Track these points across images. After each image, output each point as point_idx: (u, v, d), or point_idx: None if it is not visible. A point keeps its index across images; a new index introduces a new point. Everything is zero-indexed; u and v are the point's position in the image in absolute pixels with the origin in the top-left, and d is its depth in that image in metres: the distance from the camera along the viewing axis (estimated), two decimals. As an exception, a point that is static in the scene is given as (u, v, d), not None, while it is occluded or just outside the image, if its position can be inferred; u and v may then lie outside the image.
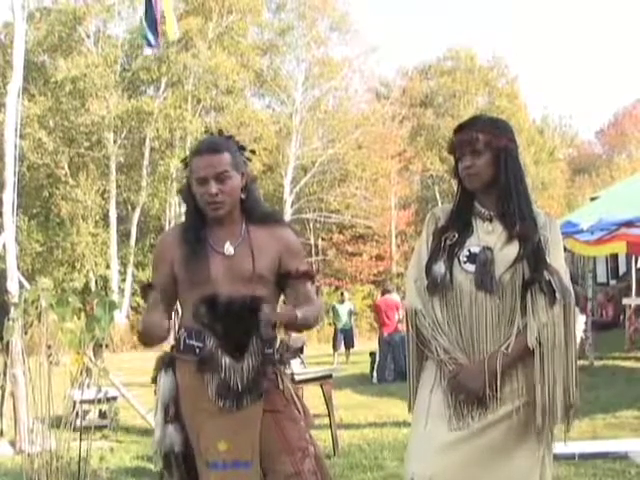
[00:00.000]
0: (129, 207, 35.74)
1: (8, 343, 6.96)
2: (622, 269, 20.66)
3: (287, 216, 32.98)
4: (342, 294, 20.97)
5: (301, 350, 6.60)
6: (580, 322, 13.79)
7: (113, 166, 34.49)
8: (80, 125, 33.59)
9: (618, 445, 6.67)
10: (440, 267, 2.92)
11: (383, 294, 15.96)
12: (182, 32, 32.04)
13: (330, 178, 37.79)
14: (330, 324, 20.91)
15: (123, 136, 34.75)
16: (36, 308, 5.77)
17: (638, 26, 76.35)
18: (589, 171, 47.02)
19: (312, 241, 36.98)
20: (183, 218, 3.33)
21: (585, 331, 13.90)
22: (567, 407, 2.87)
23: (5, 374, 7.34)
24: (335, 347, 18.99)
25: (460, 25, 74.85)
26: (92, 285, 32.74)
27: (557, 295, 2.83)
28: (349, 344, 19.14)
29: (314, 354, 17.51)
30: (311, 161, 37.17)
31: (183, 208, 3.30)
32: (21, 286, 7.85)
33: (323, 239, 38.33)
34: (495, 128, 2.98)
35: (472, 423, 2.82)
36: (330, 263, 37.29)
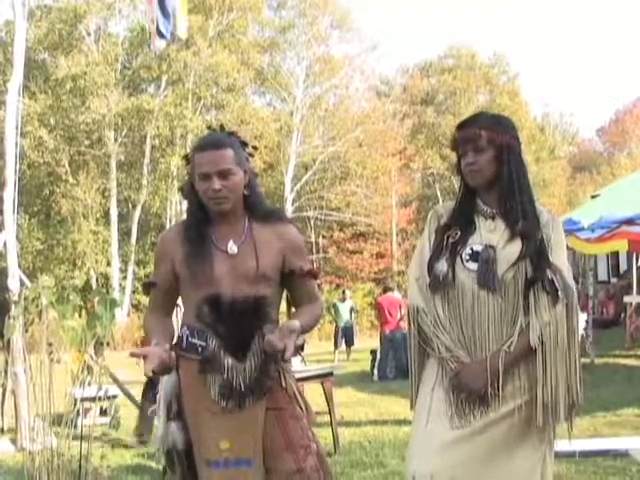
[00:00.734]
0: (130, 205, 35.75)
1: (9, 341, 6.97)
2: (623, 267, 20.65)
3: (288, 214, 32.92)
4: (344, 292, 20.96)
5: (302, 348, 6.59)
6: (581, 320, 13.79)
7: (114, 164, 34.49)
8: (81, 123, 33.58)
9: (619, 443, 6.68)
10: (442, 265, 2.91)
11: (384, 292, 15.96)
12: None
13: (331, 176, 37.78)
14: (331, 322, 20.90)
15: (124, 134, 34.75)
16: (37, 306, 5.78)
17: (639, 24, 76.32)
18: (590, 169, 46.99)
19: (313, 239, 36.98)
20: (185, 216, 3.31)
21: (586, 329, 13.90)
22: (570, 405, 2.87)
23: (6, 372, 7.34)
24: (336, 345, 19.00)
25: (461, 23, 74.95)
26: (93, 283, 32.76)
27: (560, 294, 2.82)
28: (350, 342, 19.15)
29: (315, 352, 17.50)
30: (312, 159, 37.17)
31: (184, 206, 3.29)
32: (22, 284, 7.85)
33: (324, 237, 38.33)
34: (498, 125, 2.97)
35: (474, 421, 2.82)
36: (331, 261, 37.28)
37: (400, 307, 14.54)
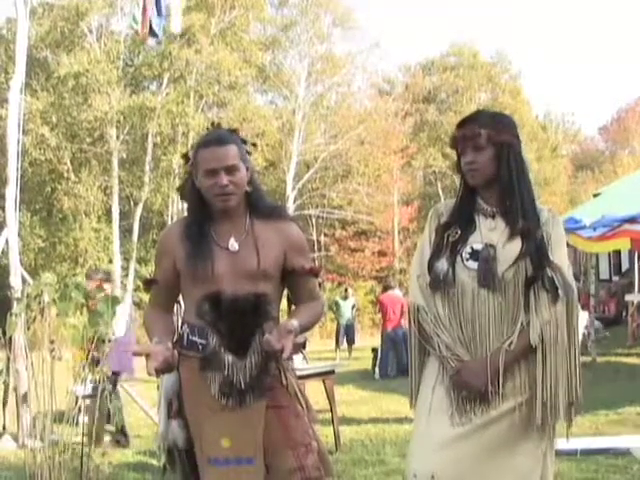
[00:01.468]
0: (131, 203, 35.74)
1: (11, 338, 6.97)
2: (625, 265, 20.64)
3: (290, 212, 32.94)
4: (346, 290, 20.99)
5: (303, 346, 6.59)
6: (583, 319, 13.80)
7: (115, 162, 34.49)
8: (82, 121, 33.60)
9: (620, 441, 6.67)
10: (442, 264, 2.91)
11: (385, 290, 15.95)
12: (184, 28, 32.06)
13: (333, 174, 37.79)
14: (333, 320, 20.93)
15: (125, 132, 34.75)
16: (39, 303, 5.78)
17: (641, 22, 76.23)
18: (592, 167, 46.98)
19: (314, 237, 36.96)
20: (186, 213, 3.31)
21: (587, 327, 13.91)
22: (570, 404, 2.87)
23: (8, 369, 7.35)
24: (338, 343, 19.01)
25: (463, 21, 74.84)
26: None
27: (560, 292, 2.83)
28: (352, 340, 19.16)
29: (317, 350, 17.52)
30: (314, 157, 37.16)
31: (186, 204, 3.27)
32: (24, 281, 7.86)
33: (326, 235, 38.31)
34: (498, 123, 2.96)
35: (474, 419, 2.82)
36: (332, 259, 37.26)
37: (402, 305, 14.52)
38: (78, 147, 34.39)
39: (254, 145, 3.33)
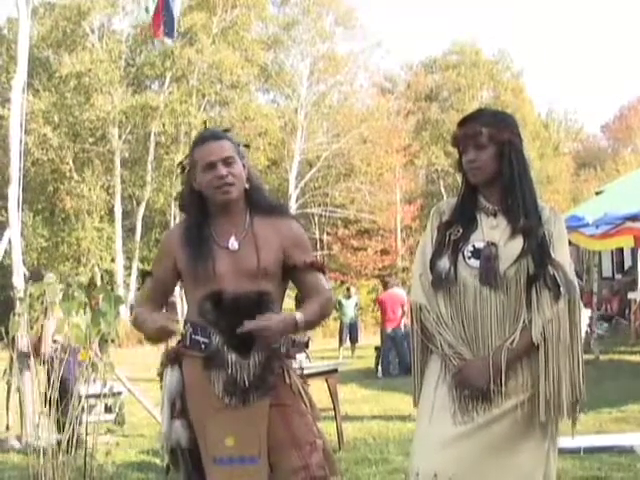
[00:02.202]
0: (134, 202, 35.79)
1: (14, 338, 6.98)
2: (627, 263, 20.62)
3: (292, 211, 32.95)
4: (348, 289, 20.97)
5: (307, 345, 6.60)
6: (585, 316, 13.79)
7: (118, 161, 34.55)
8: (85, 120, 33.65)
9: (623, 439, 6.67)
10: (444, 262, 2.91)
11: (385, 288, 15.93)
12: (186, 27, 32.13)
13: (335, 173, 37.81)
14: (336, 319, 20.92)
15: (128, 131, 34.80)
16: (42, 303, 5.79)
17: (643, 19, 76.12)
18: (594, 165, 46.92)
19: (317, 236, 36.98)
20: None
21: (590, 325, 13.90)
22: (573, 402, 2.87)
23: (11, 369, 7.35)
24: (341, 341, 19.01)
25: (465, 19, 74.76)
26: (97, 280, 32.72)
27: (562, 290, 2.82)
28: (354, 339, 19.16)
29: (319, 348, 17.51)
30: (316, 156, 37.18)
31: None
32: (27, 281, 7.86)
33: (328, 234, 38.31)
34: (499, 121, 2.96)
35: (477, 417, 2.82)
36: (335, 258, 37.26)
37: (402, 304, 14.48)
38: (80, 147, 34.44)
39: (247, 146, 3.35)
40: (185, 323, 3.17)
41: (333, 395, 7.35)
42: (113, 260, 34.28)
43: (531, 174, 3.01)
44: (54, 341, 5.85)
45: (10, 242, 8.15)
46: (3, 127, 25.43)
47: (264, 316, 2.96)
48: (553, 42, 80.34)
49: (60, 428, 6.77)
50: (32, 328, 6.11)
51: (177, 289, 3.42)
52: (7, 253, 8.34)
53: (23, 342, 6.95)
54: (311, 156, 37.43)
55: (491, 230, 2.94)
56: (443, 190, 39.24)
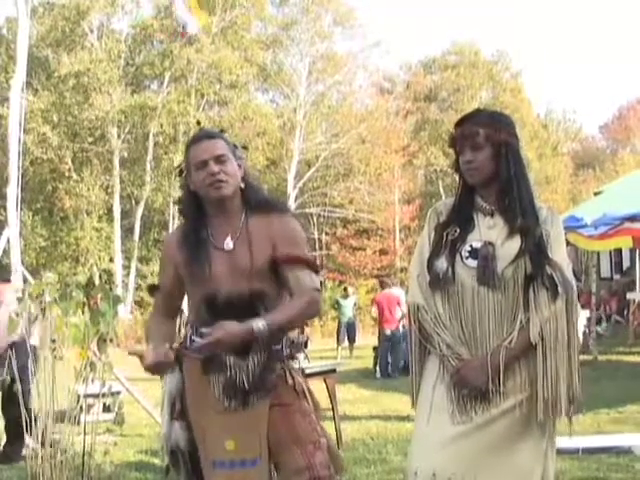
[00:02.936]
0: (133, 201, 35.79)
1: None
2: (626, 264, 20.64)
3: (287, 206, 32.94)
4: (345, 289, 20.98)
5: (305, 345, 6.60)
6: (583, 317, 13.81)
7: (117, 161, 34.55)
8: (84, 120, 33.64)
9: (622, 440, 6.67)
10: (442, 263, 2.91)
11: (382, 288, 15.93)
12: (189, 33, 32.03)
13: (334, 173, 37.81)
14: (334, 319, 20.92)
15: (127, 131, 34.79)
16: (40, 302, 5.79)
17: (642, 20, 76.16)
18: (593, 166, 46.94)
19: (316, 236, 36.99)
20: None
21: (588, 326, 13.91)
22: (570, 401, 2.87)
23: (10, 368, 7.33)
24: (339, 341, 19.01)
25: (464, 19, 74.77)
26: (96, 280, 32.66)
27: (559, 289, 2.83)
28: (353, 339, 19.16)
29: (318, 348, 17.51)
30: (315, 156, 37.18)
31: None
32: (25, 280, 7.85)
33: (327, 234, 38.33)
34: (496, 122, 2.96)
35: (475, 417, 2.83)
36: (334, 258, 37.28)
37: (399, 304, 14.44)
38: (79, 146, 34.43)
39: (245, 148, 3.35)
40: (186, 325, 3.17)
41: (331, 395, 7.35)
42: (112, 260, 34.27)
43: (528, 174, 3.02)
44: (53, 341, 5.84)
45: (9, 241, 8.14)
46: (2, 126, 25.45)
47: (216, 328, 2.89)
48: (552, 43, 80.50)
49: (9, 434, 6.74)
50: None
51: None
52: (6, 252, 8.34)
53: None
54: (310, 156, 37.43)
55: (488, 230, 2.94)
56: (442, 190, 39.22)
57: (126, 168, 35.67)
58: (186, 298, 3.29)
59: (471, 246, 2.92)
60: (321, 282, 3.25)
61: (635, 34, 76.15)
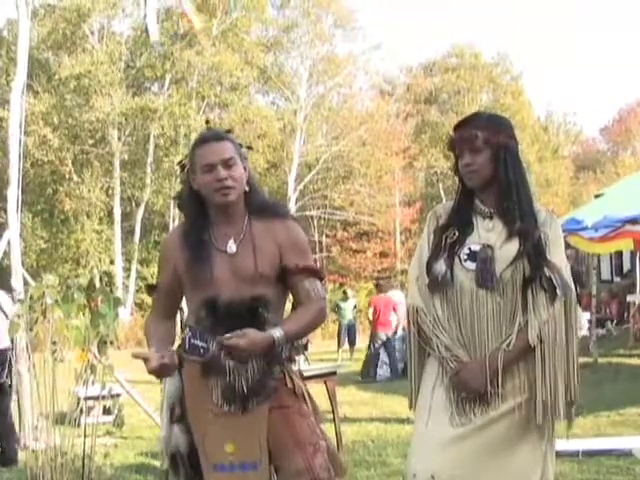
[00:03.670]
0: (133, 204, 35.80)
1: (13, 339, 6.98)
2: (626, 266, 20.63)
3: (289, 210, 32.96)
4: (345, 292, 20.96)
5: (305, 347, 6.60)
6: (584, 319, 13.81)
7: (117, 163, 34.57)
8: (84, 122, 33.66)
9: (622, 442, 6.66)
10: (441, 265, 2.92)
11: (379, 291, 15.97)
12: (186, 29, 32.16)
13: (334, 175, 37.82)
14: (334, 321, 20.90)
15: (127, 133, 34.83)
16: (41, 304, 5.79)
17: (643, 23, 76.20)
18: (593, 168, 46.96)
19: (316, 238, 36.98)
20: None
21: (589, 328, 13.91)
22: (569, 403, 2.88)
23: (10, 371, 7.35)
24: (339, 344, 19.00)
25: (464, 22, 74.77)
26: (96, 282, 32.65)
27: (558, 292, 2.83)
28: (353, 341, 19.16)
29: (318, 351, 17.50)
30: (315, 158, 37.19)
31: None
32: (25, 283, 7.86)
33: (327, 236, 38.33)
34: (494, 125, 2.97)
35: (474, 420, 2.83)
36: (334, 260, 37.29)
37: (394, 309, 14.53)
38: (80, 148, 34.47)
39: (250, 148, 3.34)
40: (185, 327, 3.16)
41: (332, 397, 7.34)
42: (112, 262, 34.27)
43: (527, 177, 3.02)
44: (53, 343, 5.85)
45: (9, 244, 8.14)
46: (3, 129, 25.44)
47: (237, 333, 2.88)
48: (552, 45, 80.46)
49: None
50: (31, 330, 6.10)
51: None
52: (6, 254, 8.33)
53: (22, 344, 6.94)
54: (310, 158, 37.44)
55: (487, 233, 2.94)
56: (442, 193, 39.22)
57: (127, 170, 35.68)
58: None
59: (470, 249, 2.92)
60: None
61: (635, 36, 76.23)
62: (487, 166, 2.93)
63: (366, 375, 14.49)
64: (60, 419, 5.80)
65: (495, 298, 2.87)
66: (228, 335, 2.89)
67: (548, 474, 2.92)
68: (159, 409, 3.25)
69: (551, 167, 42.81)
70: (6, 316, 6.90)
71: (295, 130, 36.95)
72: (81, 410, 6.03)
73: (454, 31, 76.24)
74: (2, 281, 8.38)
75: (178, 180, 3.28)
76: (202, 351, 3.02)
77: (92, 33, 34.93)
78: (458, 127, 3.00)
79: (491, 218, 2.96)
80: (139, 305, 32.12)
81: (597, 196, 18.12)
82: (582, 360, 2.96)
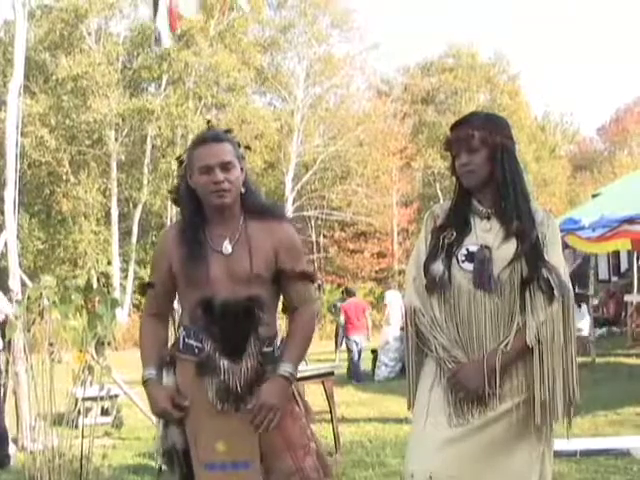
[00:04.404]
0: (131, 204, 35.78)
1: (10, 341, 6.97)
2: (624, 266, 20.63)
3: (288, 213, 32.95)
4: (343, 293, 20.97)
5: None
6: (586, 321, 13.82)
7: (114, 164, 34.56)
8: (81, 123, 33.63)
9: (620, 442, 6.67)
10: (438, 266, 2.92)
11: (349, 296, 16.26)
12: (183, 30, 32.12)
13: (332, 175, 37.80)
14: (332, 322, 20.89)
15: (124, 134, 34.80)
16: (39, 306, 5.78)
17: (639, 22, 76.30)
18: (590, 168, 46.95)
19: (314, 238, 36.98)
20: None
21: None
22: (567, 404, 2.88)
23: (7, 372, 7.35)
24: (337, 344, 18.99)
25: (461, 22, 74.79)
26: (94, 283, 32.62)
27: (555, 292, 2.83)
28: (350, 341, 19.16)
29: (316, 351, 17.48)
30: (312, 158, 37.17)
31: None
32: (23, 284, 7.85)
33: (325, 236, 38.33)
34: (491, 125, 2.97)
35: (472, 420, 2.83)
36: (332, 260, 37.29)
37: (363, 311, 15.16)
38: (77, 149, 34.44)
39: (248, 148, 3.33)
40: (179, 327, 3.16)
41: (329, 398, 7.34)
42: (110, 263, 34.21)
43: (524, 177, 3.02)
44: (51, 344, 5.84)
45: (6, 245, 8.13)
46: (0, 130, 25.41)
47: (255, 404, 2.99)
48: (549, 45, 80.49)
49: None
50: (29, 331, 6.09)
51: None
52: (3, 256, 8.33)
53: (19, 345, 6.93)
54: (307, 159, 37.42)
55: (485, 233, 2.94)
56: (440, 193, 39.21)
57: (124, 171, 35.67)
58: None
59: (467, 249, 2.92)
60: (319, 285, 3.26)
61: (632, 36, 76.28)
62: (484, 166, 2.93)
63: (352, 378, 14.67)
64: (58, 420, 5.80)
65: (493, 299, 2.87)
66: (250, 407, 2.99)
67: (546, 474, 2.92)
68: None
69: (548, 167, 42.80)
70: None
71: (292, 130, 36.94)
72: (79, 411, 6.02)
73: (451, 31, 76.20)
74: (-1, 282, 8.36)
75: (175, 181, 3.27)
76: (197, 350, 3.04)
77: (89, 34, 34.90)
78: (455, 127, 3.01)
79: (488, 218, 2.96)
80: (136, 306, 32.04)
81: (594, 196, 18.11)
82: (580, 360, 2.95)
